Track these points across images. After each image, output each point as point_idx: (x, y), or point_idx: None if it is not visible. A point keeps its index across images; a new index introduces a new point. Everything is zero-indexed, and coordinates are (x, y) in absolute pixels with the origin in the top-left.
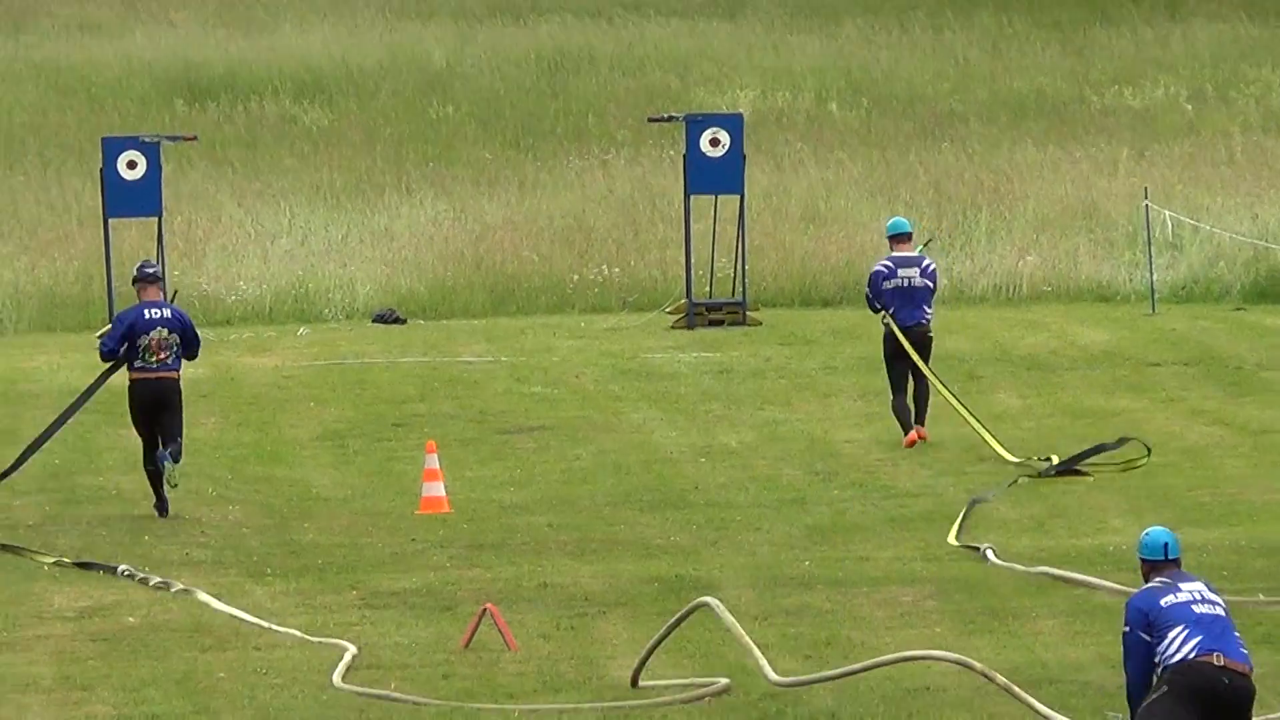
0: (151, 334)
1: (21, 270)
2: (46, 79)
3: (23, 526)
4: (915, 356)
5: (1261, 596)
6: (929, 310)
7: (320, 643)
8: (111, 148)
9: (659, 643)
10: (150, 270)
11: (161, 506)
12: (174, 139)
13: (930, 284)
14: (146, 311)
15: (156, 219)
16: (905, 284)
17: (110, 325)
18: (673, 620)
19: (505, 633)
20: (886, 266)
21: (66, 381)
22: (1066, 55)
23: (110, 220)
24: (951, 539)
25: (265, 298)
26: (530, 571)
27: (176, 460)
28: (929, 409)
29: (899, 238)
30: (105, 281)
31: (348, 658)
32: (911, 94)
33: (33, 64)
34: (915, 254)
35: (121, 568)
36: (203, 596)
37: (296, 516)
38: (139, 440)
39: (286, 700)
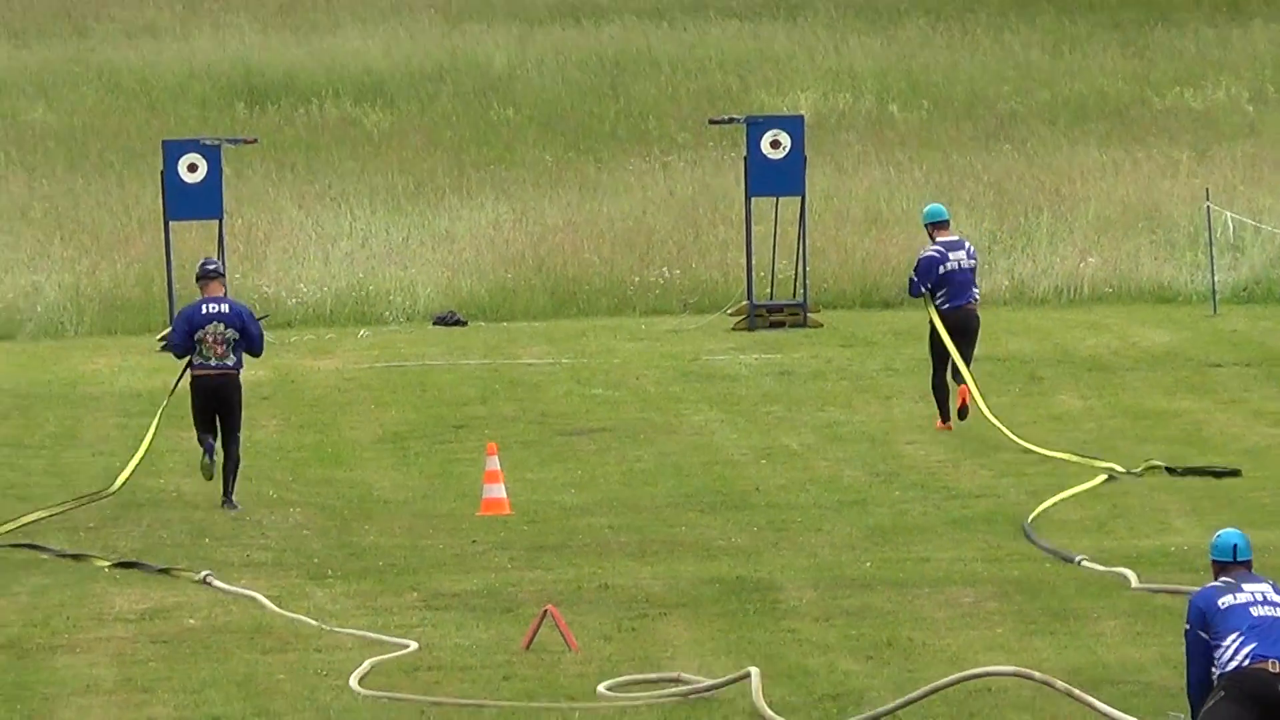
0: (208, 328)
1: (82, 273)
2: (107, 82)
3: (83, 529)
4: (954, 353)
5: None
6: (977, 289)
7: (383, 641)
8: (172, 151)
9: (691, 692)
10: (210, 267)
11: (228, 502)
12: (235, 142)
13: (975, 263)
14: (204, 306)
15: (217, 221)
16: (957, 267)
17: (171, 327)
18: (713, 683)
19: (566, 634)
20: (938, 252)
21: (127, 384)
22: (1127, 56)
23: (171, 223)
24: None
25: (326, 300)
26: (591, 573)
27: (237, 465)
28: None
29: (940, 225)
30: (166, 284)
31: (366, 665)
32: (972, 95)
33: (94, 67)
34: (958, 238)
35: (205, 573)
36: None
37: (357, 518)
38: (199, 445)
39: (347, 702)
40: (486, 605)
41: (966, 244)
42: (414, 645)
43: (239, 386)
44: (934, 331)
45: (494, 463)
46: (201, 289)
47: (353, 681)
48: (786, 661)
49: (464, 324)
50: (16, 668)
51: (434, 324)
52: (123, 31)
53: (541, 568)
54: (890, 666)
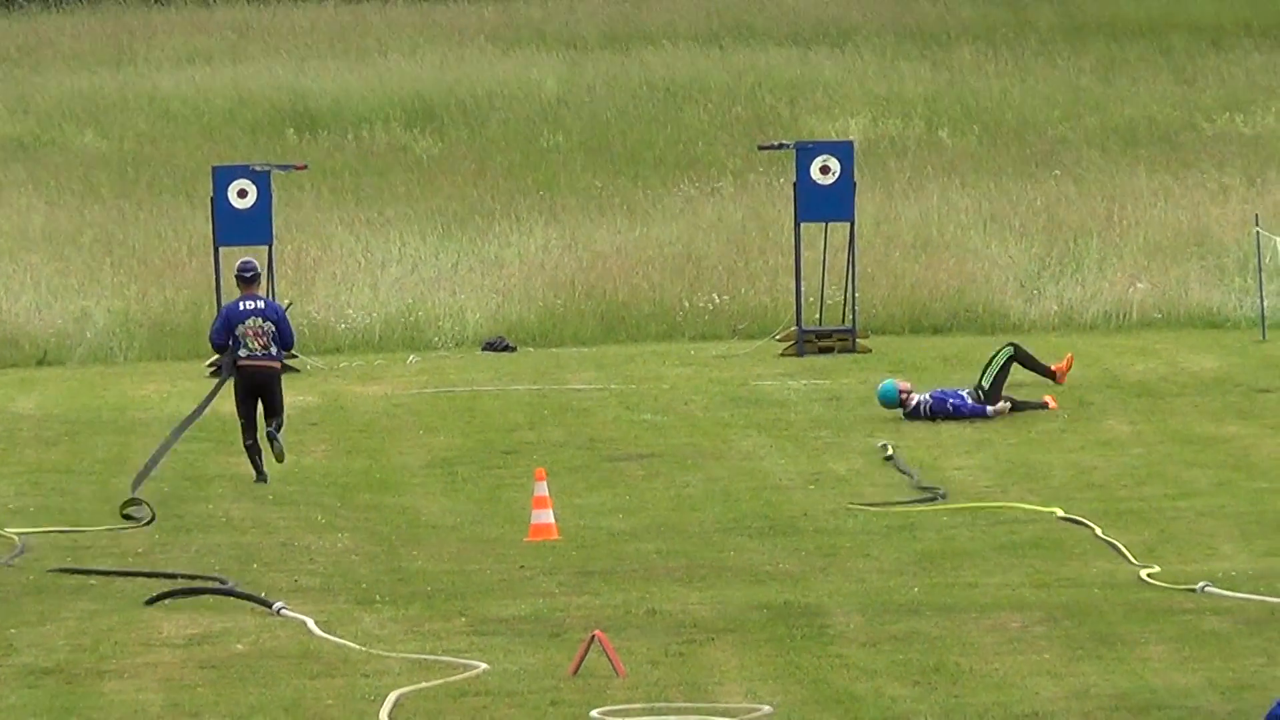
0: (247, 323)
1: (132, 299)
2: (157, 108)
3: (132, 554)
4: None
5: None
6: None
7: (451, 663)
8: (222, 176)
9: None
10: (250, 271)
11: (261, 477)
12: (284, 168)
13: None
14: (241, 304)
15: (267, 247)
16: None
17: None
18: None
19: (614, 659)
20: None
21: (176, 410)
22: (1177, 83)
23: (221, 249)
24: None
25: (375, 326)
26: (639, 598)
27: (279, 430)
28: None
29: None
30: (215, 310)
31: (393, 697)
32: (1022, 121)
33: (144, 93)
34: None
35: (277, 605)
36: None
37: (405, 544)
38: (249, 467)
39: None
40: (534, 630)
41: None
42: (483, 666)
43: (280, 377)
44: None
45: (542, 488)
46: (242, 289)
47: (383, 715)
48: (833, 687)
49: (513, 349)
50: (65, 693)
51: (483, 349)
52: (173, 58)
53: (589, 593)
54: (937, 692)
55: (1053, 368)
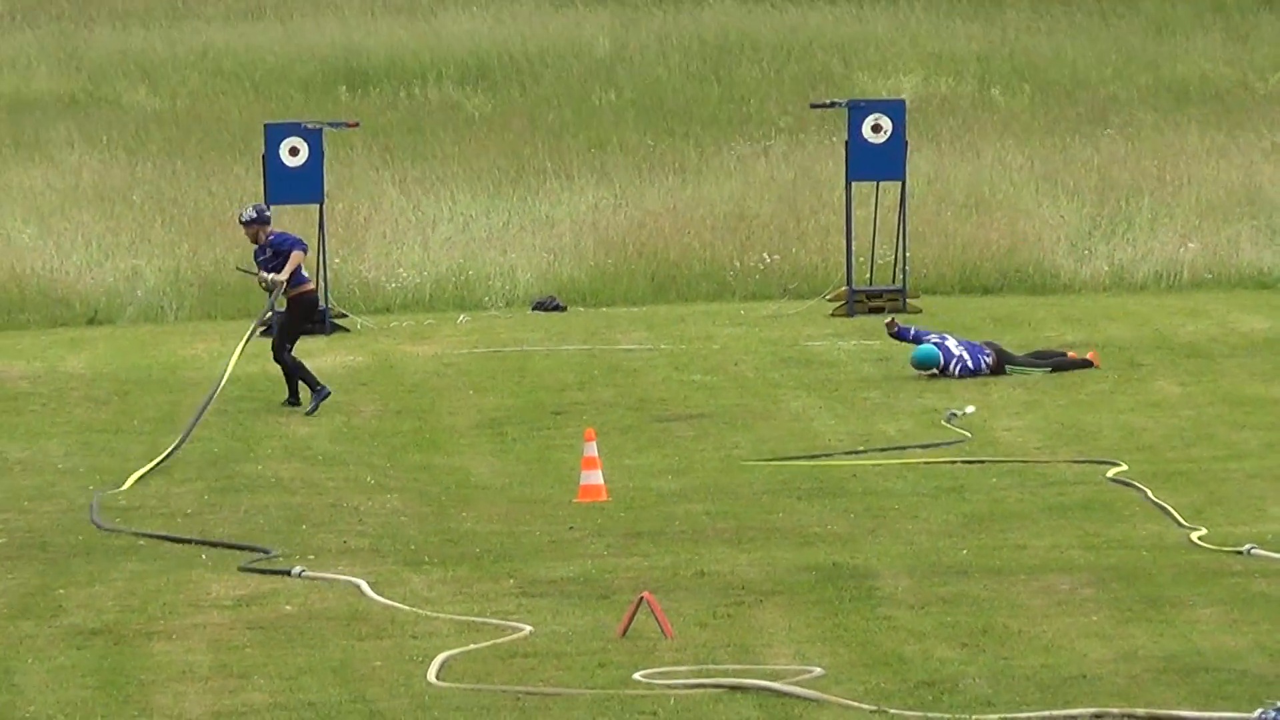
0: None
1: (183, 257)
2: (209, 65)
3: (180, 515)
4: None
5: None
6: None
7: (497, 626)
8: (274, 134)
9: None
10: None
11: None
12: (336, 125)
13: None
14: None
15: (318, 205)
16: None
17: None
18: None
19: (662, 621)
20: None
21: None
22: (1230, 41)
23: (272, 206)
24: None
25: (425, 285)
26: (687, 560)
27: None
28: None
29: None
30: None
31: (441, 659)
32: (1075, 79)
33: (196, 50)
34: None
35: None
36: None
37: (455, 505)
38: (300, 428)
39: (442, 689)
40: (583, 592)
41: None
42: (528, 629)
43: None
44: None
45: (592, 449)
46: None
47: (431, 675)
48: (882, 649)
49: (563, 309)
50: (113, 653)
51: (533, 309)
52: (225, 14)
53: (638, 554)
54: (986, 654)
55: (1088, 356)
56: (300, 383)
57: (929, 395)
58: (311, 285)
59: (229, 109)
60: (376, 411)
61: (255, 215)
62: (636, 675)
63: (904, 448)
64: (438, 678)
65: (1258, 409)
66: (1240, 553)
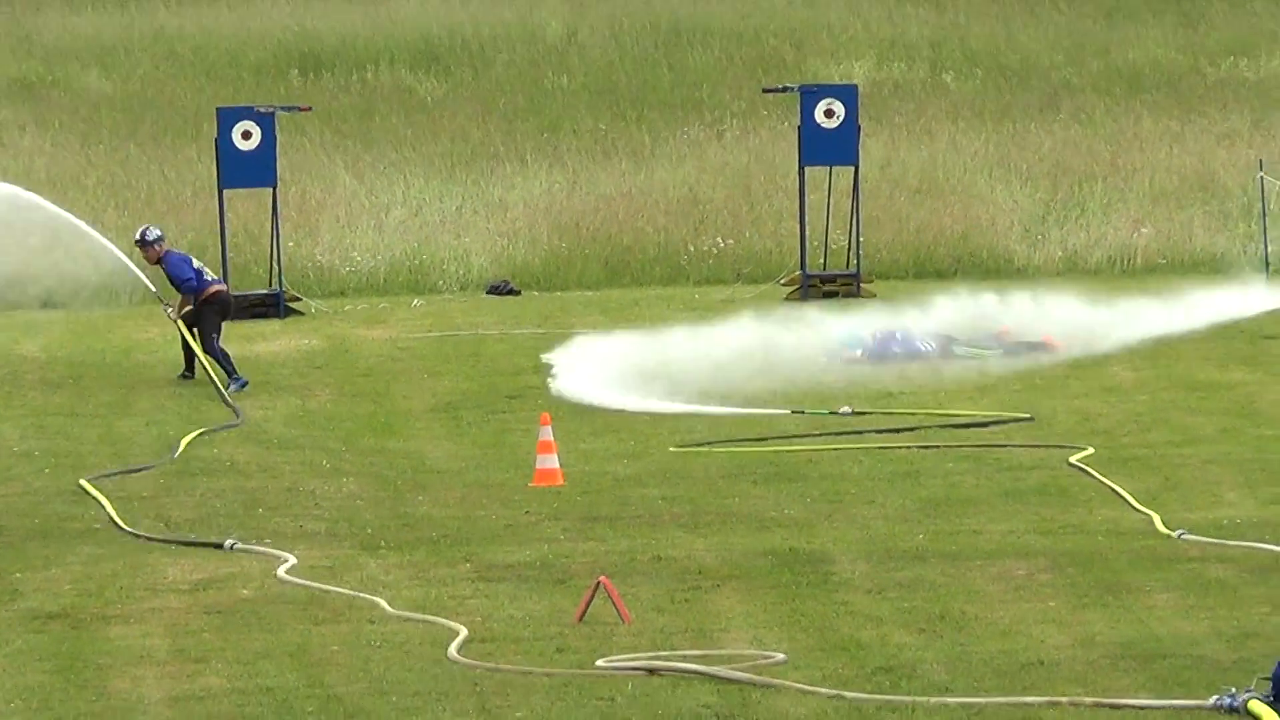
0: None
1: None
2: (162, 49)
3: (137, 498)
4: None
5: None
6: None
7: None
8: (226, 118)
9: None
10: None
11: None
12: (289, 109)
13: None
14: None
15: (271, 189)
16: None
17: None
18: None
19: (619, 606)
20: None
21: (180, 353)
22: (1181, 27)
23: (225, 191)
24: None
25: (379, 269)
26: (644, 544)
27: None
28: None
29: None
30: (220, 252)
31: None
32: (1027, 65)
33: (147, 34)
34: None
35: (229, 541)
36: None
37: (410, 489)
38: (257, 411)
39: (400, 673)
40: (539, 576)
41: None
42: (465, 631)
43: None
44: None
45: (547, 433)
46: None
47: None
48: (839, 634)
49: (517, 293)
50: (71, 637)
51: (487, 293)
52: None
53: (595, 539)
54: (943, 639)
55: (1042, 340)
56: (198, 361)
57: (884, 379)
58: (219, 287)
59: (181, 93)
60: (331, 396)
61: (138, 238)
62: (599, 662)
63: (966, 425)
64: (459, 653)
65: (1212, 394)
66: (1171, 536)
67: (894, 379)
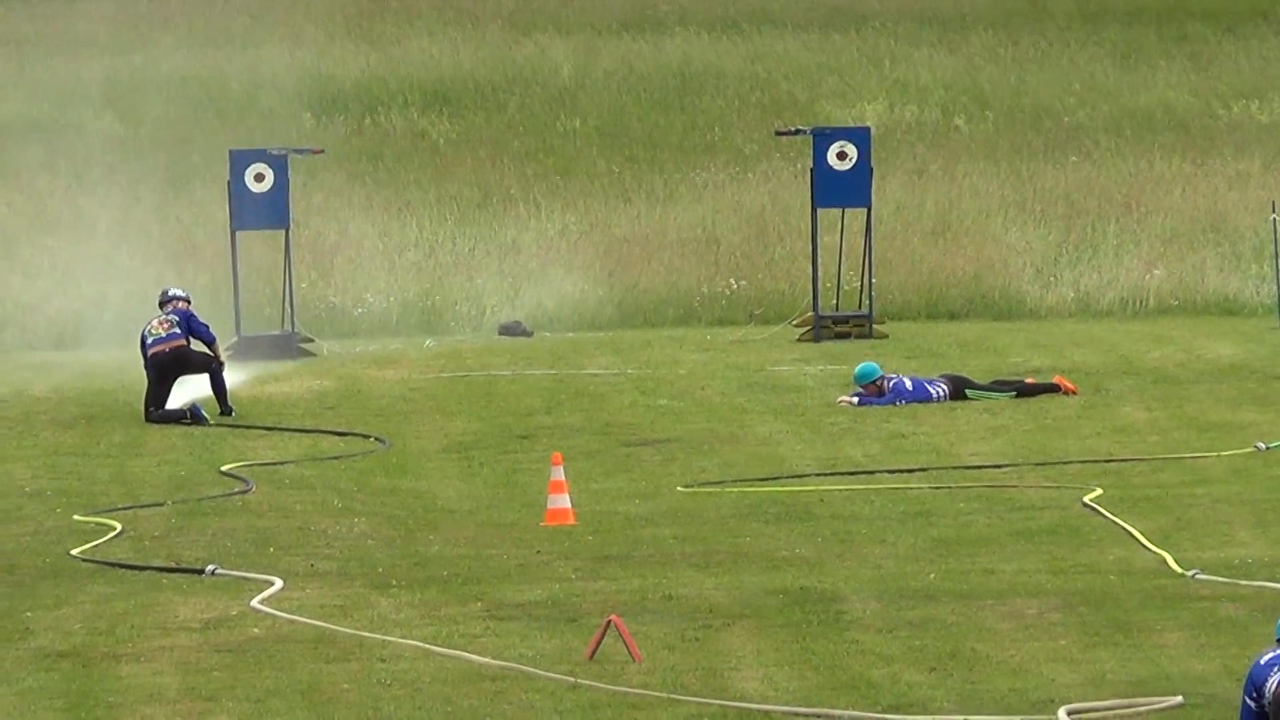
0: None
1: (148, 282)
2: (175, 91)
3: (149, 537)
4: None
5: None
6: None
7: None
8: (239, 160)
9: None
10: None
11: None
12: (301, 152)
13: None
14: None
15: (284, 231)
16: None
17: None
18: None
19: (630, 645)
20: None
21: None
22: (1194, 69)
23: (237, 233)
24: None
25: (392, 310)
26: (655, 583)
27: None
28: None
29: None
30: (233, 294)
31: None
32: (1039, 107)
33: (161, 76)
34: None
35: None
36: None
37: (422, 528)
38: (267, 452)
39: (409, 712)
40: (550, 615)
41: None
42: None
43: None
44: None
45: (559, 473)
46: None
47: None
48: (849, 673)
49: (530, 334)
50: (81, 676)
51: (500, 334)
52: (190, 40)
53: (606, 578)
54: (954, 678)
55: (1054, 380)
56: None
57: (895, 420)
58: (159, 348)
59: (194, 135)
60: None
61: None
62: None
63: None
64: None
65: (1224, 434)
66: (1184, 576)
67: (904, 420)
